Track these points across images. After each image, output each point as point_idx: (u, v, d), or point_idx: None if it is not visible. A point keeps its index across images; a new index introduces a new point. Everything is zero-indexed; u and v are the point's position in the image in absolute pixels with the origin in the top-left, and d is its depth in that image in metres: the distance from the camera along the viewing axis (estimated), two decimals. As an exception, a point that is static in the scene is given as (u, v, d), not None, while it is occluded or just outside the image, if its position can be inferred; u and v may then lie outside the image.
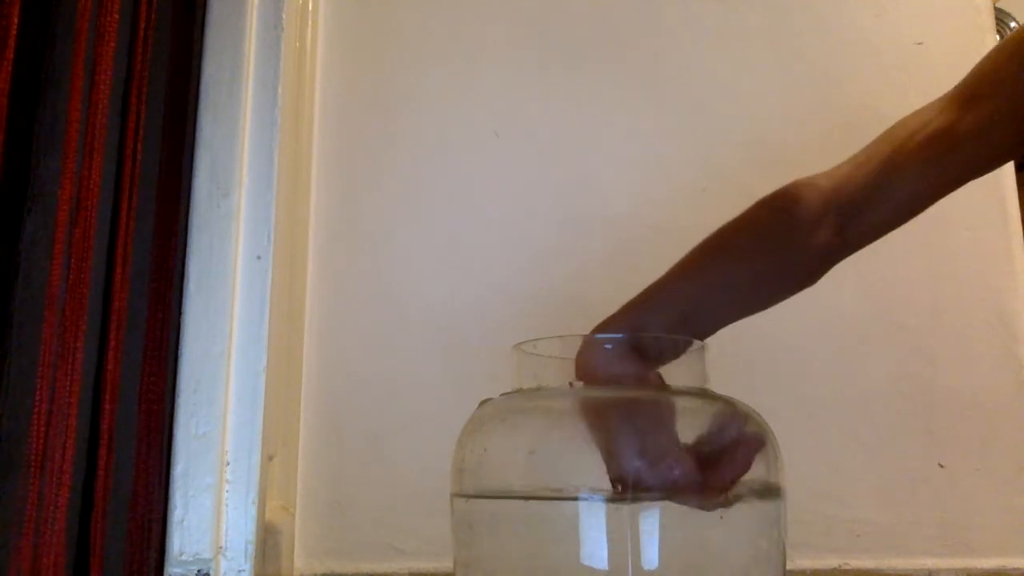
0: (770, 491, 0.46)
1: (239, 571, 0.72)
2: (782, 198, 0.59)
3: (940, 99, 0.60)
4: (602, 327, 0.52)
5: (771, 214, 0.59)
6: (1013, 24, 1.16)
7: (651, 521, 0.42)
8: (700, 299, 0.55)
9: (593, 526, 0.42)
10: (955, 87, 0.60)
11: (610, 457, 0.44)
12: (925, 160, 0.58)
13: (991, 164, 0.60)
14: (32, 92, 0.63)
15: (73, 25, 0.64)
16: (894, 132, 0.61)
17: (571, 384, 0.50)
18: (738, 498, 0.44)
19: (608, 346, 0.50)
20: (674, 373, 0.51)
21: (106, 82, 0.66)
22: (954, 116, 0.58)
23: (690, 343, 0.51)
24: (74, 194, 0.63)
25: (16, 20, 0.61)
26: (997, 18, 1.09)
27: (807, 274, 0.60)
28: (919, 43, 1.05)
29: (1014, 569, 0.90)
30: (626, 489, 0.43)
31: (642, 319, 0.52)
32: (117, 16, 0.67)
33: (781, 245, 0.58)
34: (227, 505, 0.73)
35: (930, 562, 0.90)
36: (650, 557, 0.41)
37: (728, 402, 0.49)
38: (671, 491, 0.43)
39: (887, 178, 0.58)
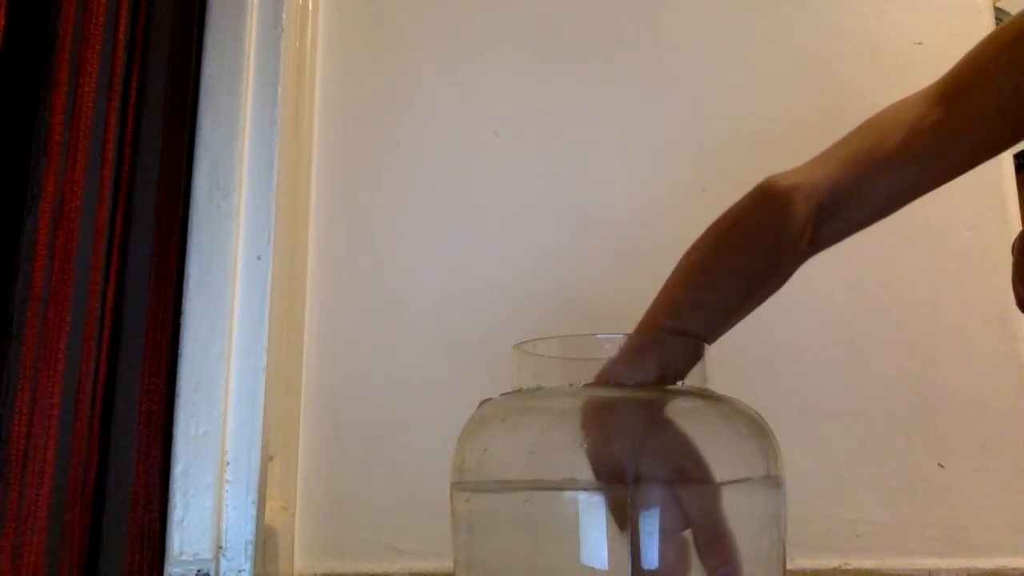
0: (770, 491, 0.46)
1: (239, 571, 0.72)
2: (767, 205, 0.58)
3: (922, 92, 0.58)
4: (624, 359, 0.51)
5: (762, 218, 0.58)
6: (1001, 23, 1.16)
7: (651, 521, 0.42)
8: (703, 312, 0.55)
9: (593, 526, 0.42)
10: (939, 81, 0.58)
11: (609, 457, 0.44)
12: (907, 157, 0.56)
13: (976, 160, 0.58)
14: (33, 95, 0.63)
15: (57, 30, 0.64)
16: (872, 126, 0.59)
17: (571, 384, 0.50)
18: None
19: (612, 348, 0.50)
20: (674, 373, 0.51)
21: (91, 85, 0.66)
22: (939, 111, 0.56)
23: (698, 345, 0.51)
24: (57, 197, 0.62)
25: (3, 23, 0.61)
26: (997, 18, 1.09)
27: (784, 276, 0.59)
28: (919, 43, 1.05)
29: (1014, 569, 0.90)
30: (625, 487, 0.43)
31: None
32: (102, 19, 0.67)
33: (771, 250, 0.57)
34: (227, 505, 0.73)
35: (930, 562, 0.90)
36: (650, 557, 0.41)
37: (728, 402, 0.49)
38: (673, 483, 0.43)
39: (866, 176, 0.57)
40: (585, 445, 0.45)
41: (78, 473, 0.64)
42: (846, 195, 0.57)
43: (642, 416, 0.46)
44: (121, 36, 0.71)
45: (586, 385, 0.49)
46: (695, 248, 0.58)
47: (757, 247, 0.58)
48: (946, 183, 0.58)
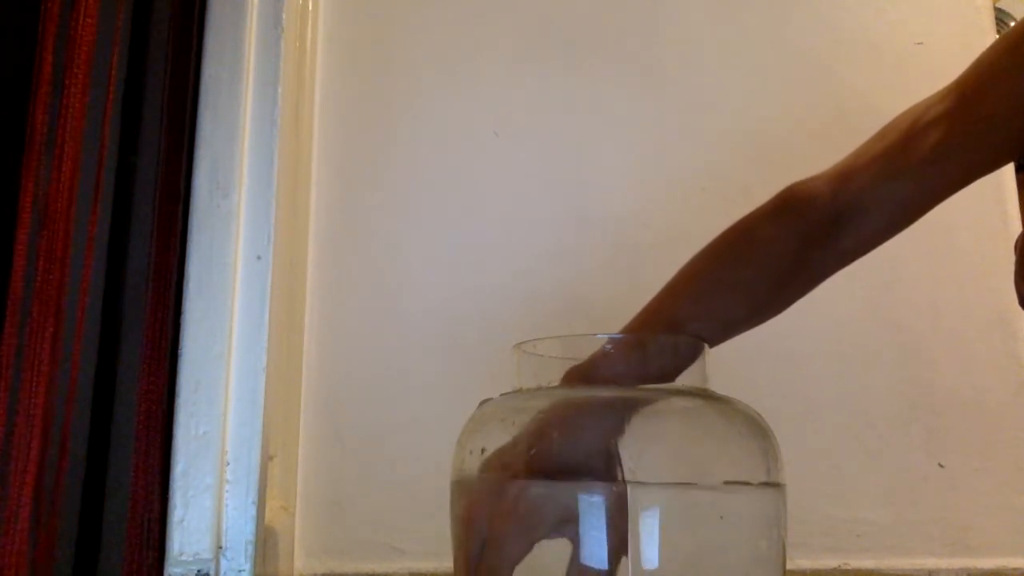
0: (770, 491, 0.46)
1: (239, 571, 0.72)
2: (783, 209, 0.58)
3: (936, 96, 0.58)
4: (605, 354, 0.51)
5: (773, 227, 0.58)
6: (1013, 24, 1.16)
7: (651, 521, 0.42)
8: (703, 323, 0.54)
9: (593, 526, 0.42)
10: (952, 84, 0.58)
11: (609, 457, 0.44)
12: (924, 161, 0.55)
13: (993, 164, 0.57)
14: (17, 97, 0.63)
15: (39, 32, 0.64)
16: (890, 131, 0.58)
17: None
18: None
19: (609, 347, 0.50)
20: (674, 373, 0.50)
21: (78, 86, 0.65)
22: (953, 113, 0.55)
23: (697, 346, 0.51)
24: (40, 198, 0.62)
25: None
26: (997, 18, 1.09)
27: (800, 286, 0.59)
28: (919, 43, 1.05)
29: (1014, 569, 0.90)
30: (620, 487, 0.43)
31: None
32: (91, 20, 0.67)
33: (783, 262, 0.57)
34: (227, 505, 0.73)
35: (930, 562, 0.90)
36: (650, 557, 0.41)
37: (728, 402, 0.49)
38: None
39: (883, 180, 0.56)
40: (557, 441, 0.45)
41: (72, 474, 0.64)
42: (865, 202, 0.56)
43: (616, 417, 0.46)
44: (119, 36, 0.71)
45: (578, 380, 0.49)
46: (705, 254, 0.58)
47: (768, 259, 0.57)
48: (961, 188, 0.57)
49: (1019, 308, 0.59)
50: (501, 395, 0.51)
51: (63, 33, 0.65)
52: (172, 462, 0.72)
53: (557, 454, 0.45)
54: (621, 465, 0.43)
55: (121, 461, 0.68)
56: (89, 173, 0.67)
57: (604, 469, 0.44)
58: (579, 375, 0.49)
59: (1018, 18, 1.17)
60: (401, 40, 1.04)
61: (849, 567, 0.90)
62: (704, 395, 0.49)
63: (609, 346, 0.50)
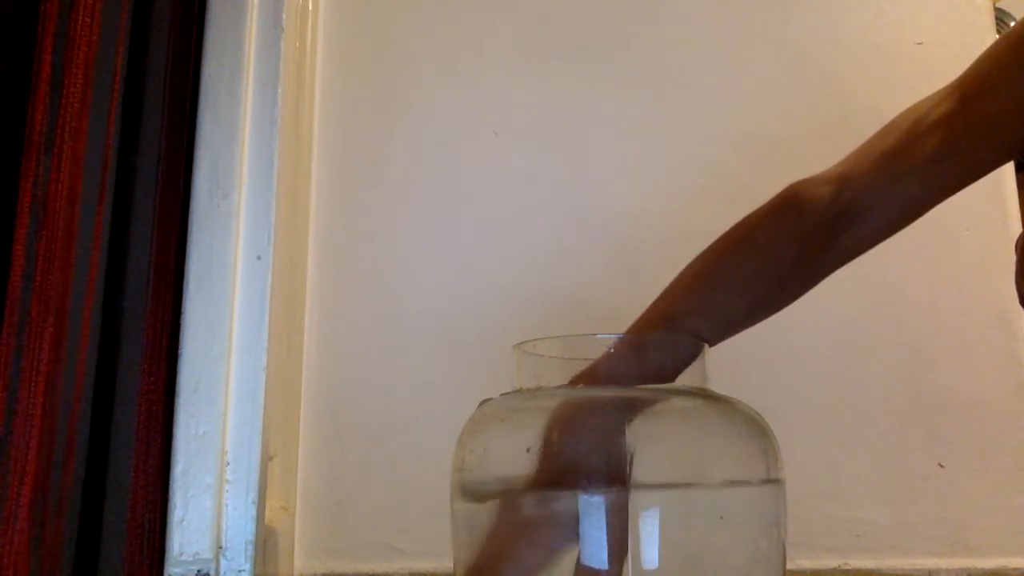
0: (770, 491, 0.46)
1: (239, 571, 0.72)
2: (784, 208, 0.58)
3: (938, 95, 0.58)
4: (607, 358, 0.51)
5: (773, 226, 0.58)
6: (1013, 24, 1.16)
7: (651, 521, 0.42)
8: (701, 319, 0.55)
9: (593, 526, 0.42)
10: (954, 83, 0.58)
11: (609, 457, 0.44)
12: (926, 160, 0.55)
13: (994, 163, 0.57)
14: (16, 97, 0.63)
15: (35, 30, 0.64)
16: (891, 130, 0.58)
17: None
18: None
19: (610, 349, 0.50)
20: (674, 373, 0.50)
21: (77, 85, 0.65)
22: (955, 111, 0.55)
23: (697, 345, 0.51)
24: (39, 198, 0.62)
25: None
26: (997, 18, 1.09)
27: (801, 285, 0.59)
28: (919, 43, 1.05)
29: (1014, 569, 0.90)
30: (625, 488, 0.43)
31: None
32: (90, 20, 0.67)
33: (784, 260, 0.57)
34: (227, 505, 0.73)
35: (930, 562, 0.90)
36: (650, 557, 0.41)
37: (728, 402, 0.49)
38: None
39: (885, 178, 0.56)
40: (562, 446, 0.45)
41: (72, 474, 0.64)
42: (866, 202, 0.56)
43: (618, 417, 0.47)
44: (120, 36, 0.71)
45: (583, 384, 0.49)
46: (706, 253, 0.58)
47: (768, 257, 0.57)
48: (962, 188, 0.57)
49: (1019, 308, 0.59)
50: (501, 395, 0.51)
51: (62, 33, 0.65)
52: (172, 462, 0.72)
53: (557, 455, 0.45)
54: (621, 465, 0.43)
55: (121, 461, 0.68)
56: (93, 173, 0.67)
57: (604, 469, 0.44)
58: (582, 379, 0.50)
59: (1018, 18, 1.17)
60: (401, 40, 1.04)
61: (849, 567, 0.90)
62: (704, 395, 0.49)
63: (609, 347, 0.50)
